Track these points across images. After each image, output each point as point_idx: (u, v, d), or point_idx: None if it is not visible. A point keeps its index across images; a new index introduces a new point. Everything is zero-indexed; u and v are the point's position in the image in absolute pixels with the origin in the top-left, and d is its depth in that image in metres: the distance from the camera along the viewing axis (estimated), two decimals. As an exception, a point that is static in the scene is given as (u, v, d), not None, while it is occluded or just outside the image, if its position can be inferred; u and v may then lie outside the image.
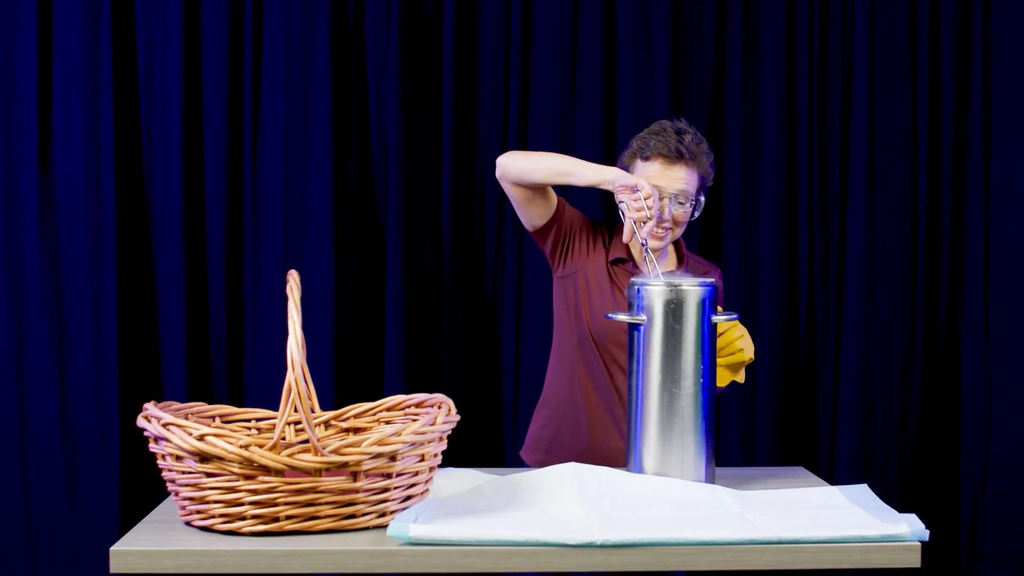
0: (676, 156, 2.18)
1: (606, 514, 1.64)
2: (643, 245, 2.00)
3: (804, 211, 3.07)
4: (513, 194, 2.21)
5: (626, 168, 2.28)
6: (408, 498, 1.69)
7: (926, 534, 1.57)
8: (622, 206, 2.08)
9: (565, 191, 2.31)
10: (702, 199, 2.26)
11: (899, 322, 3.10)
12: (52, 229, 3.00)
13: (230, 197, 3.03)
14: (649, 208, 2.00)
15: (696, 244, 3.07)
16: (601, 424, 2.21)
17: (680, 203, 2.20)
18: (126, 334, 3.00)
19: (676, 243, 2.38)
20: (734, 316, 1.91)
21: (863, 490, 1.81)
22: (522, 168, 2.16)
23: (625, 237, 2.04)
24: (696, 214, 2.27)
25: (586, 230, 2.29)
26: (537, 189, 2.19)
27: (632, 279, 1.96)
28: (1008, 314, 3.08)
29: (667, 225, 2.21)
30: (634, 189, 2.02)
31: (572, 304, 2.25)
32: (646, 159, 2.21)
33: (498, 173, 2.20)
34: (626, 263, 2.27)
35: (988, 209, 3.09)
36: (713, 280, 1.91)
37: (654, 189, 2.03)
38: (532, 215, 2.24)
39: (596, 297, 2.23)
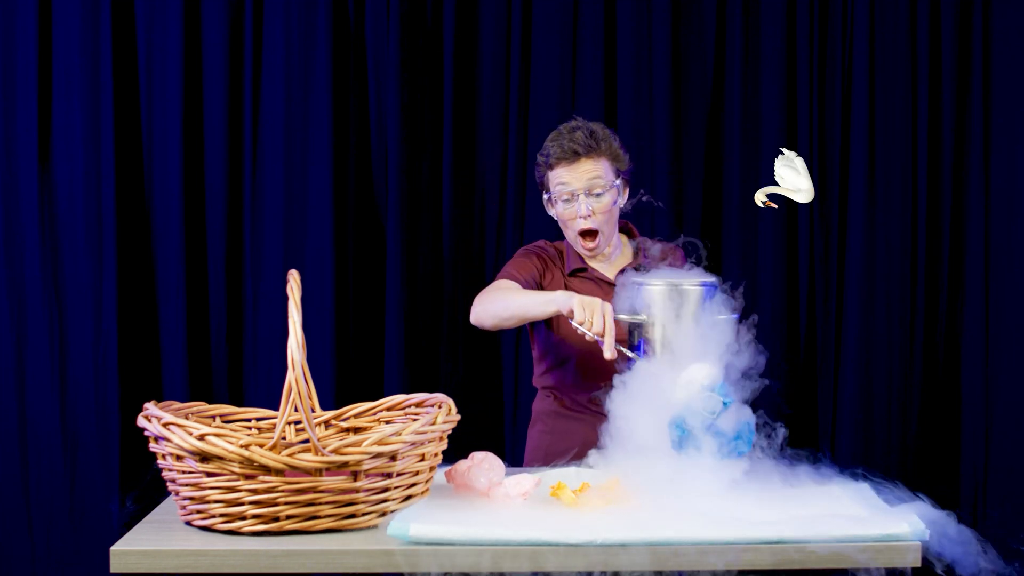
0: (573, 155, 2.21)
1: (607, 514, 1.64)
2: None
3: (804, 211, 3.07)
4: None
5: (542, 183, 2.30)
6: (408, 498, 1.69)
7: (926, 534, 1.57)
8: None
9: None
10: (619, 184, 2.27)
11: (899, 322, 3.09)
12: (52, 229, 3.00)
13: (230, 197, 3.03)
14: (598, 321, 1.92)
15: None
16: (592, 431, 2.21)
17: (596, 195, 2.23)
18: (126, 334, 3.00)
19: (629, 233, 2.39)
20: (735, 315, 1.91)
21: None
22: (491, 318, 2.17)
23: (607, 354, 1.94)
24: (621, 201, 2.29)
25: (542, 263, 2.32)
26: None
27: (632, 279, 1.96)
28: (1008, 314, 3.08)
29: (593, 220, 2.23)
30: (572, 315, 1.96)
31: (547, 324, 2.28)
32: (551, 167, 2.26)
33: (477, 324, 2.21)
34: (585, 271, 2.29)
35: (988, 209, 3.08)
36: (714, 280, 1.91)
37: (592, 303, 1.95)
38: None
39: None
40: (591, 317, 1.93)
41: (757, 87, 3.07)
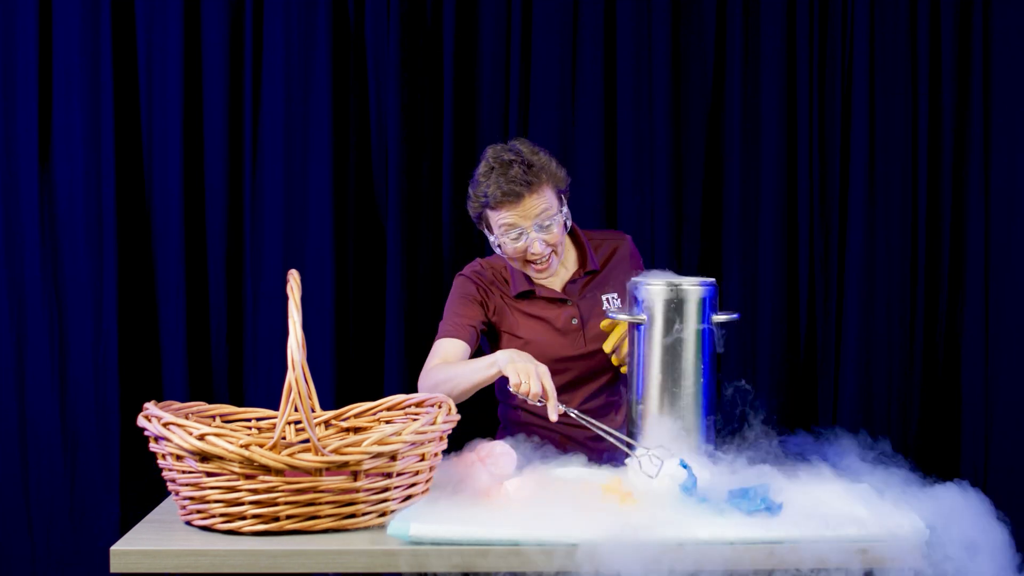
0: (515, 196, 2.13)
1: (607, 514, 1.63)
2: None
3: (804, 211, 3.07)
4: None
5: (480, 219, 2.24)
6: (408, 498, 1.70)
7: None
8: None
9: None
10: (566, 210, 2.22)
11: (899, 322, 3.09)
12: (52, 229, 3.00)
13: (230, 197, 3.03)
14: (535, 384, 1.89)
15: (697, 245, 3.07)
16: (566, 440, 2.21)
17: (546, 226, 2.16)
18: (126, 334, 3.00)
19: (573, 236, 2.34)
20: (734, 315, 1.91)
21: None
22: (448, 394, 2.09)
23: (552, 416, 1.91)
24: (568, 223, 2.24)
25: (482, 293, 2.26)
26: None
27: (632, 278, 1.97)
28: (1008, 314, 3.08)
29: (546, 254, 2.19)
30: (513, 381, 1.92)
31: (504, 347, 2.24)
32: (494, 208, 2.17)
33: None
34: (532, 292, 2.26)
35: (988, 209, 3.08)
36: (713, 280, 1.91)
37: (527, 368, 1.91)
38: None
39: (522, 333, 2.22)
40: (527, 381, 1.89)
41: (757, 87, 3.07)
